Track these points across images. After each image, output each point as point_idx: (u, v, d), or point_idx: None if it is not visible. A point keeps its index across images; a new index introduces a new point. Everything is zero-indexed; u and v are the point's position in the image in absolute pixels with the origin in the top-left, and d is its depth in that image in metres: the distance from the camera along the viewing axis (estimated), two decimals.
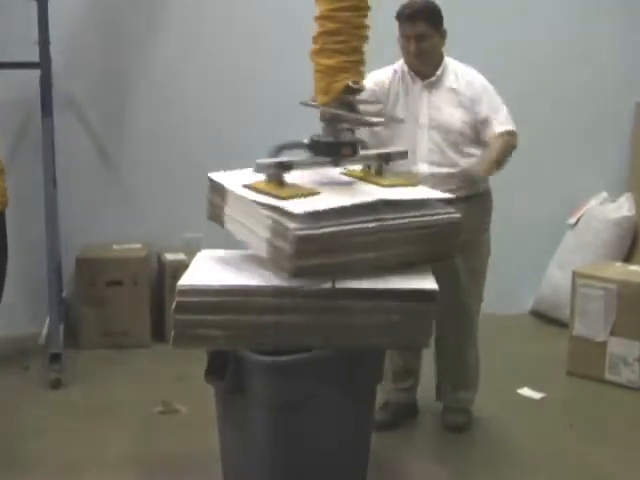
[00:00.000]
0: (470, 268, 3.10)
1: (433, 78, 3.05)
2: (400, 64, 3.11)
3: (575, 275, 3.88)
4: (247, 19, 4.22)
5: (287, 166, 2.38)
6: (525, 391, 3.64)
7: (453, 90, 3.05)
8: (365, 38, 2.46)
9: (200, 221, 4.43)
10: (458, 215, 2.47)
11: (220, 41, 4.21)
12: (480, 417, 3.30)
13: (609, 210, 4.54)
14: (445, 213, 2.46)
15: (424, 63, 3.03)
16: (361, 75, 2.48)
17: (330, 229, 2.21)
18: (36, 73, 3.65)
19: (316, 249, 2.21)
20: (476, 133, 3.06)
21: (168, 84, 4.21)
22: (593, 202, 4.64)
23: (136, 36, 4.17)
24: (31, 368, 3.77)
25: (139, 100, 4.21)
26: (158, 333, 4.10)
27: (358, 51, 2.46)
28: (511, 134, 3.02)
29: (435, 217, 2.42)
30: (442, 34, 3.03)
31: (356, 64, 2.46)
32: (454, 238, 2.48)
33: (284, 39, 4.06)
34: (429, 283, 2.36)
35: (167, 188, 4.27)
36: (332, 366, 2.31)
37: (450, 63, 3.09)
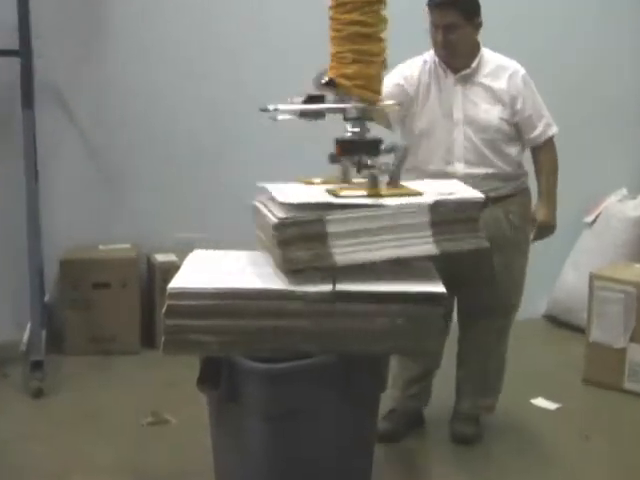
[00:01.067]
0: (510, 271, 3.15)
1: (468, 71, 3.04)
2: (431, 54, 3.11)
3: (592, 277, 3.88)
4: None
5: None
6: (539, 401, 3.65)
7: (491, 84, 3.05)
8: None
9: (192, 220, 4.47)
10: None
11: (206, 26, 4.23)
12: (491, 429, 3.31)
13: (629, 208, 4.55)
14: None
15: (452, 55, 3.02)
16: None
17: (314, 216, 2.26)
18: (15, 61, 3.64)
19: (300, 236, 2.24)
20: (515, 131, 3.09)
21: (158, 72, 4.22)
22: (612, 199, 4.65)
23: (122, 21, 4.17)
24: (11, 375, 3.78)
25: (127, 90, 4.21)
26: (148, 339, 4.11)
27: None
28: (552, 144, 3.18)
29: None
30: (476, 25, 3.01)
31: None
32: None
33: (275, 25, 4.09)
34: (436, 286, 2.37)
35: (158, 184, 4.27)
36: (332, 373, 2.31)
37: (488, 55, 3.09)
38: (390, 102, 2.70)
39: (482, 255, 2.79)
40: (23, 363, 3.75)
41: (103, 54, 4.18)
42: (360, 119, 2.47)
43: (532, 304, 4.62)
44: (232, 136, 4.23)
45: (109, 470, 2.99)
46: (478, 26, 3.03)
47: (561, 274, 4.68)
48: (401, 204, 2.36)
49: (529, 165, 3.25)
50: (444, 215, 2.38)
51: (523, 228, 3.19)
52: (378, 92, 2.51)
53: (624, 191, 4.68)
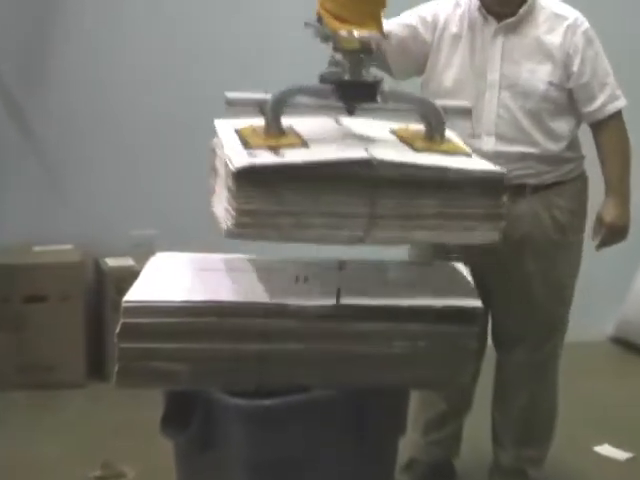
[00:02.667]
0: (550, 281, 3.14)
1: (513, 19, 3.04)
2: None
3: None
4: None
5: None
6: (606, 449, 3.67)
7: (541, 37, 3.05)
8: None
9: (153, 213, 4.51)
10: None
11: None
12: None
13: None
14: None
15: (506, 2, 3.03)
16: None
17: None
18: None
19: (267, 193, 2.22)
20: (569, 101, 3.09)
21: (107, 60, 4.33)
22: None
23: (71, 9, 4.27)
24: None
25: (70, 64, 4.28)
26: (96, 367, 4.14)
27: None
28: (619, 121, 3.15)
29: None
30: None
31: None
32: None
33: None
34: (469, 298, 2.40)
35: (109, 173, 4.31)
36: (336, 412, 2.33)
37: (543, 0, 3.09)
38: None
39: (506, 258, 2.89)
40: None
41: (50, 41, 4.27)
42: (349, 53, 2.45)
43: (596, 323, 4.67)
44: (197, 118, 4.28)
45: None
46: None
47: (634, 285, 4.70)
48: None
49: (588, 147, 3.25)
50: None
51: (574, 228, 3.19)
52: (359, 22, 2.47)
53: None
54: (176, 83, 4.36)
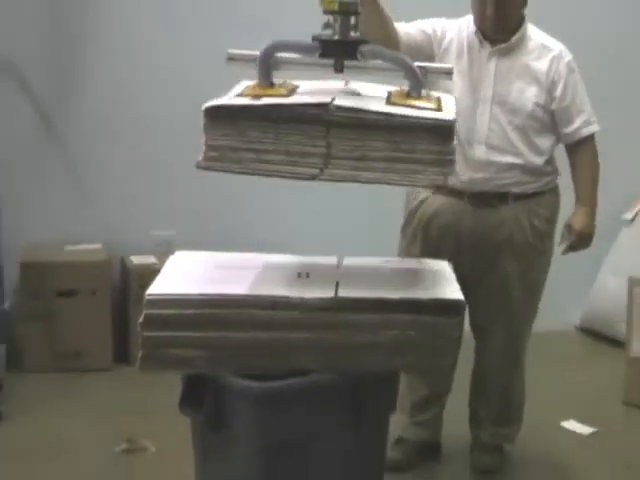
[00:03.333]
0: (526, 281, 3.18)
1: (505, 44, 3.05)
2: (467, 22, 3.12)
3: (633, 282, 3.90)
4: None
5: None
6: (572, 424, 3.67)
7: (530, 63, 3.07)
8: None
9: (172, 216, 4.49)
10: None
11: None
12: (517, 455, 3.33)
13: None
14: None
15: (499, 24, 3.02)
16: None
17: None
18: None
19: (228, 130, 2.21)
20: (551, 121, 3.11)
21: (132, 66, 4.26)
22: None
23: (92, 11, 4.23)
24: None
25: (93, 68, 4.24)
26: (121, 354, 4.13)
27: None
28: (591, 144, 3.20)
29: None
30: None
31: None
32: None
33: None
34: (453, 292, 2.38)
35: (132, 175, 4.29)
36: (335, 393, 2.32)
37: (532, 31, 3.11)
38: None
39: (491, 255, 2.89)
40: None
41: (76, 48, 4.22)
42: (335, 13, 2.39)
43: (564, 314, 4.66)
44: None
45: None
46: (525, 0, 3.07)
47: (597, 279, 4.69)
48: None
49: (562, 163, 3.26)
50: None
51: (549, 235, 3.21)
52: None
53: None
54: (196, 89, 4.19)
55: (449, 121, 2.21)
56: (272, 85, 2.37)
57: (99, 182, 4.31)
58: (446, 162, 2.20)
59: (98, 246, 4.25)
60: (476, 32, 3.07)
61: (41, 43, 4.20)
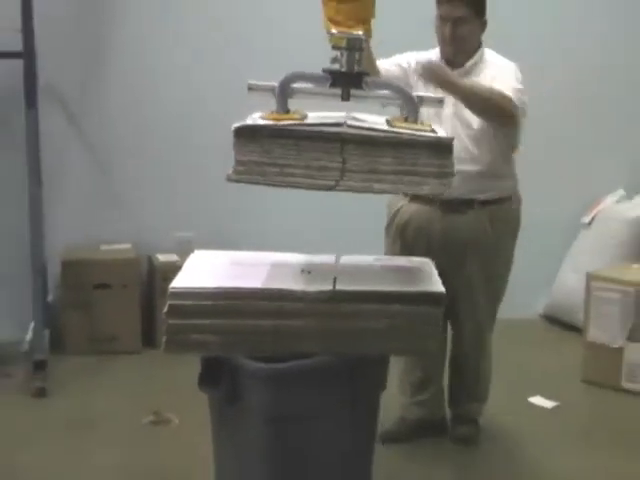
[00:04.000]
0: (488, 278, 3.12)
1: (461, 69, 3.00)
2: (436, 52, 3.07)
3: (589, 277, 3.88)
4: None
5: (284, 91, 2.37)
6: (537, 400, 3.65)
7: (481, 82, 2.97)
8: None
9: (192, 219, 4.48)
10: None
11: (211, 27, 4.23)
12: (490, 427, 3.31)
13: (626, 208, 4.55)
14: None
15: (457, 50, 2.99)
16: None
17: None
18: (13, 63, 3.64)
19: (255, 147, 2.21)
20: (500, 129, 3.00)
21: (160, 74, 4.22)
22: (609, 200, 4.65)
23: (125, 24, 4.17)
24: (13, 376, 3.78)
25: (128, 92, 4.21)
26: (149, 338, 4.11)
27: None
28: (511, 103, 2.87)
29: None
30: (482, 22, 3.00)
31: None
32: None
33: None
34: (436, 285, 2.37)
35: (158, 184, 4.28)
36: (334, 373, 2.31)
37: (488, 55, 3.04)
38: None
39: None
40: (25, 363, 3.75)
41: (105, 55, 4.19)
42: (342, 49, 2.38)
43: (530, 304, 4.65)
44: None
45: (110, 469, 3.00)
46: (484, 24, 3.02)
47: (559, 274, 4.68)
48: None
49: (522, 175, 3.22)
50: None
51: (509, 236, 3.16)
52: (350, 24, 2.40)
53: (621, 192, 4.68)
54: (217, 108, 4.13)
55: (448, 138, 2.23)
56: (287, 112, 2.37)
57: (129, 191, 4.30)
58: (446, 174, 2.20)
59: (128, 246, 4.24)
60: (440, 59, 3.03)
61: (76, 61, 4.17)
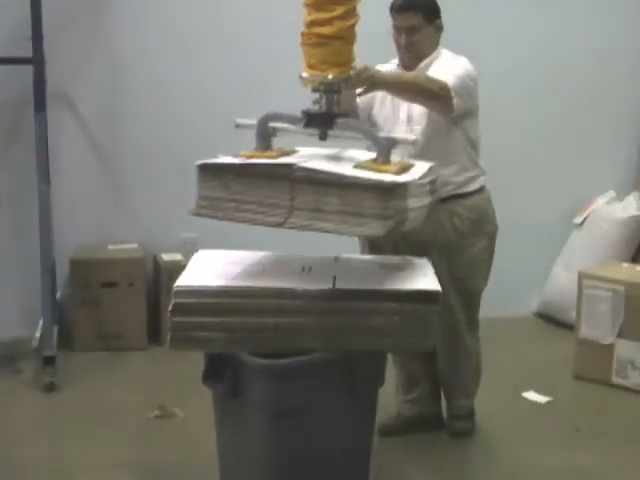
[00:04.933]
0: (454, 276, 2.91)
1: (417, 70, 2.94)
2: (397, 60, 3.03)
3: (581, 276, 3.89)
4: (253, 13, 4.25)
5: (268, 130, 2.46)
6: (531, 395, 3.65)
7: None
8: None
9: (196, 220, 4.46)
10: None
11: (224, 33, 4.23)
12: (485, 421, 3.31)
13: (617, 209, 4.55)
14: None
15: (413, 56, 2.94)
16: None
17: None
18: (24, 69, 3.64)
19: (217, 183, 2.30)
20: (450, 120, 2.90)
21: (165, 75, 4.22)
22: (600, 201, 4.65)
23: (130, 28, 4.18)
24: (24, 371, 3.79)
25: (135, 96, 4.22)
26: (154, 335, 4.12)
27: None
28: (442, 86, 2.77)
29: None
30: (437, 27, 2.96)
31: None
32: None
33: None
34: (431, 283, 2.38)
35: (163, 186, 4.28)
36: (333, 369, 2.31)
37: (442, 56, 2.97)
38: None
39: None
40: (35, 359, 3.76)
41: (110, 60, 4.19)
42: (321, 92, 2.45)
43: (524, 302, 4.66)
44: (240, 137, 4.22)
45: (117, 462, 3.00)
46: (439, 27, 2.97)
47: (551, 273, 4.68)
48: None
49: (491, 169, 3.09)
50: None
51: (472, 233, 2.99)
52: (325, 69, 2.44)
53: (612, 193, 4.68)
54: (227, 102, 4.14)
55: (389, 183, 2.20)
56: (266, 149, 2.45)
57: (136, 192, 4.30)
58: (387, 217, 2.18)
59: (135, 245, 4.24)
60: (398, 65, 3.00)
61: (92, 82, 4.18)
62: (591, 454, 3.13)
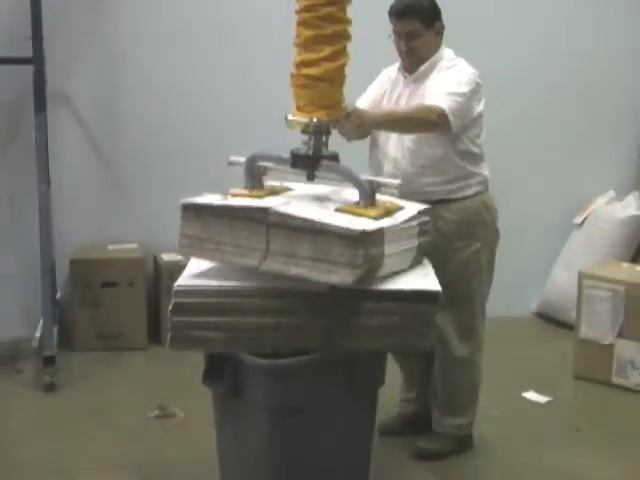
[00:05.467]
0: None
1: (415, 73, 2.93)
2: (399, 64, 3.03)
3: (581, 276, 3.89)
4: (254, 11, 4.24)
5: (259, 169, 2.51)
6: (531, 395, 3.65)
7: (429, 84, 2.88)
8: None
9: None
10: None
11: (221, 33, 4.22)
12: (484, 421, 3.31)
13: (616, 209, 4.56)
14: None
15: (414, 61, 2.92)
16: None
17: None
18: (25, 69, 3.64)
19: (197, 223, 2.34)
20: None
21: (166, 79, 4.21)
22: (600, 201, 4.65)
23: (131, 27, 4.18)
24: (24, 371, 3.79)
25: (135, 96, 4.21)
26: (154, 335, 4.12)
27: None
28: (436, 111, 2.72)
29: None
30: (437, 30, 2.92)
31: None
32: None
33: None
34: (431, 284, 2.37)
35: (163, 186, 4.28)
36: (333, 368, 2.31)
37: (444, 58, 2.94)
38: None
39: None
40: (35, 359, 3.76)
41: (111, 60, 4.18)
42: (309, 133, 2.46)
43: (524, 302, 4.66)
44: (239, 138, 4.22)
45: (117, 462, 3.00)
46: (439, 30, 2.93)
47: (552, 273, 4.68)
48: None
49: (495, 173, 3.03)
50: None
51: (458, 236, 2.91)
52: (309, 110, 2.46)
53: (612, 193, 4.69)
54: (221, 117, 4.21)
55: (358, 231, 2.19)
56: (255, 187, 2.49)
57: (136, 192, 4.30)
58: (356, 265, 2.18)
59: (135, 246, 4.24)
60: (399, 68, 3.00)
61: (93, 86, 4.18)
62: (591, 454, 3.14)
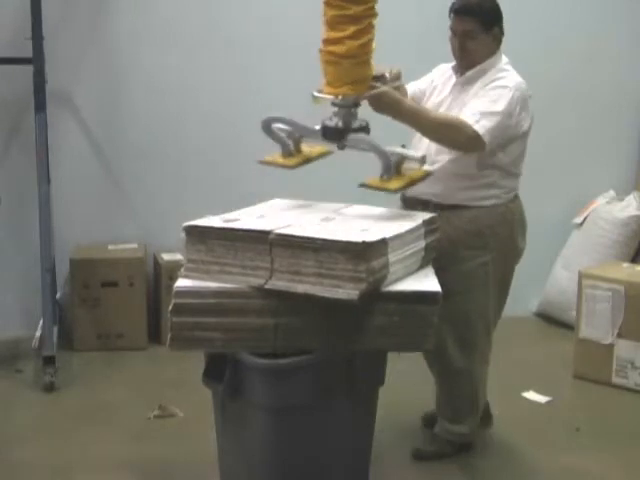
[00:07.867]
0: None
1: (461, 78, 2.90)
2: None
3: (581, 276, 3.89)
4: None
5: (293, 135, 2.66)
6: (531, 395, 3.65)
7: (478, 90, 2.83)
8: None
9: (196, 220, 4.46)
10: None
11: (222, 34, 4.22)
12: None
13: (616, 209, 4.55)
14: None
15: (465, 62, 2.88)
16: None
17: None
18: (25, 69, 3.64)
19: (202, 247, 2.39)
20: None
21: (166, 79, 4.22)
22: (600, 201, 4.65)
23: (131, 28, 4.18)
24: (24, 371, 3.79)
25: (135, 96, 4.22)
26: (154, 335, 4.12)
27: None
28: (467, 134, 2.67)
29: None
30: (494, 35, 2.85)
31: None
32: None
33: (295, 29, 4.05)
34: (431, 284, 2.37)
35: (163, 186, 4.28)
36: (332, 368, 2.32)
37: (496, 66, 2.86)
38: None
39: None
40: (35, 359, 3.76)
41: (111, 60, 4.18)
42: (340, 107, 2.58)
43: (524, 302, 4.65)
44: (239, 138, 4.22)
45: (117, 462, 3.00)
46: (497, 36, 2.87)
47: (552, 273, 4.68)
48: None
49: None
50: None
51: (467, 246, 2.83)
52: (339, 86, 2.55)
53: (612, 193, 4.68)
54: (228, 103, 4.21)
55: (360, 244, 2.20)
56: (291, 154, 2.68)
57: (137, 192, 4.30)
58: (359, 279, 2.20)
59: (135, 245, 4.24)
60: (453, 66, 2.98)
61: (94, 89, 4.19)
62: (591, 454, 3.13)
